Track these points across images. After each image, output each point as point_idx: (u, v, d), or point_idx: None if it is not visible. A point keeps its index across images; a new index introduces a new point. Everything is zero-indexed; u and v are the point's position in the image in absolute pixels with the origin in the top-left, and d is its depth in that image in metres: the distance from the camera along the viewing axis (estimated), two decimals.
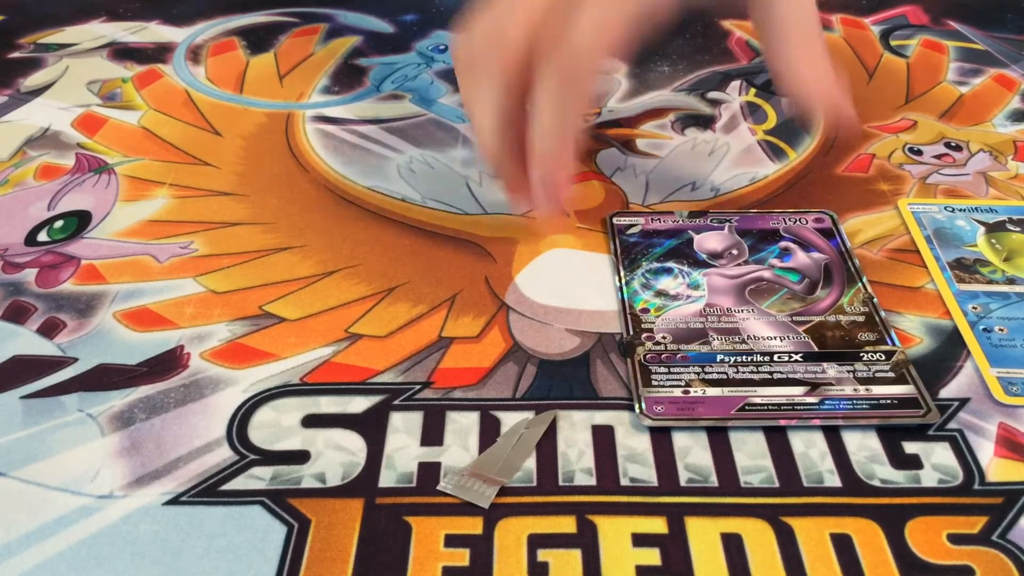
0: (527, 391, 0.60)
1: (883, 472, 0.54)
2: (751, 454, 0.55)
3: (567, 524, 0.51)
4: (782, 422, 0.55)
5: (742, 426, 0.56)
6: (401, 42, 1.06)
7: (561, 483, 0.53)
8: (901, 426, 0.56)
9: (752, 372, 0.59)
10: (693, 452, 0.55)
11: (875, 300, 0.65)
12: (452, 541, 0.50)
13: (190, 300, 0.67)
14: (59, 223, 0.75)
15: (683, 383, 0.58)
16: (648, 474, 0.54)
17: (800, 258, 0.69)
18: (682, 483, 0.53)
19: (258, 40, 1.06)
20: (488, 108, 0.62)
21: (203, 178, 0.81)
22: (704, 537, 0.50)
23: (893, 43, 1.04)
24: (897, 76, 0.97)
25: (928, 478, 0.54)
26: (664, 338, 0.61)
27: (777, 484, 0.53)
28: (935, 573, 0.48)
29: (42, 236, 0.74)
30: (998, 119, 0.89)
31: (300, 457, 0.55)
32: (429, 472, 0.54)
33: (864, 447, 0.55)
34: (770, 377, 0.58)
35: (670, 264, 0.67)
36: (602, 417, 0.58)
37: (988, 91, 0.95)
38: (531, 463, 0.54)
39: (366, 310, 0.66)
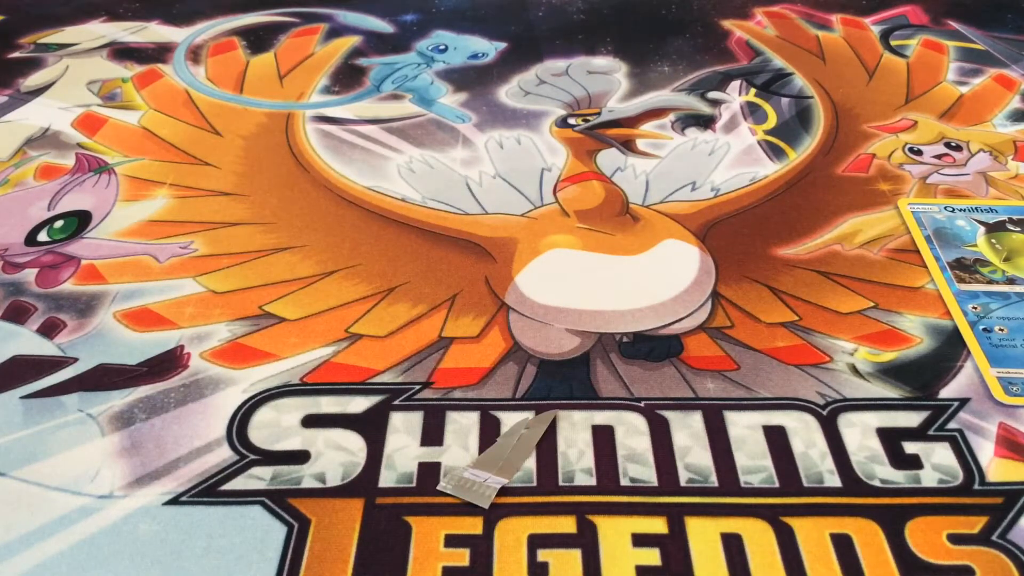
0: (527, 391, 0.60)
1: (883, 472, 0.54)
2: (751, 454, 0.55)
3: (567, 524, 0.51)
4: None
5: None
6: (401, 42, 1.06)
7: (561, 483, 0.53)
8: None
9: None
10: (693, 452, 0.55)
11: None
12: (452, 541, 0.50)
13: (190, 300, 0.67)
14: (59, 223, 0.75)
15: None
16: (648, 474, 0.54)
17: None
18: (682, 483, 0.53)
19: (258, 40, 1.06)
20: None
21: (203, 178, 0.81)
22: (704, 537, 0.50)
23: (893, 43, 1.04)
24: (897, 76, 0.97)
25: (928, 478, 0.53)
26: None
27: (777, 484, 0.53)
28: (935, 573, 0.48)
29: (42, 236, 0.74)
30: (998, 119, 0.89)
31: (300, 457, 0.55)
32: (429, 472, 0.54)
33: (864, 447, 0.55)
34: None
35: None
36: (602, 417, 0.58)
37: (988, 91, 0.94)
38: (531, 463, 0.54)
39: (366, 310, 0.66)
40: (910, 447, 0.55)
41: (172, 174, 0.82)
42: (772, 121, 0.90)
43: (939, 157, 0.83)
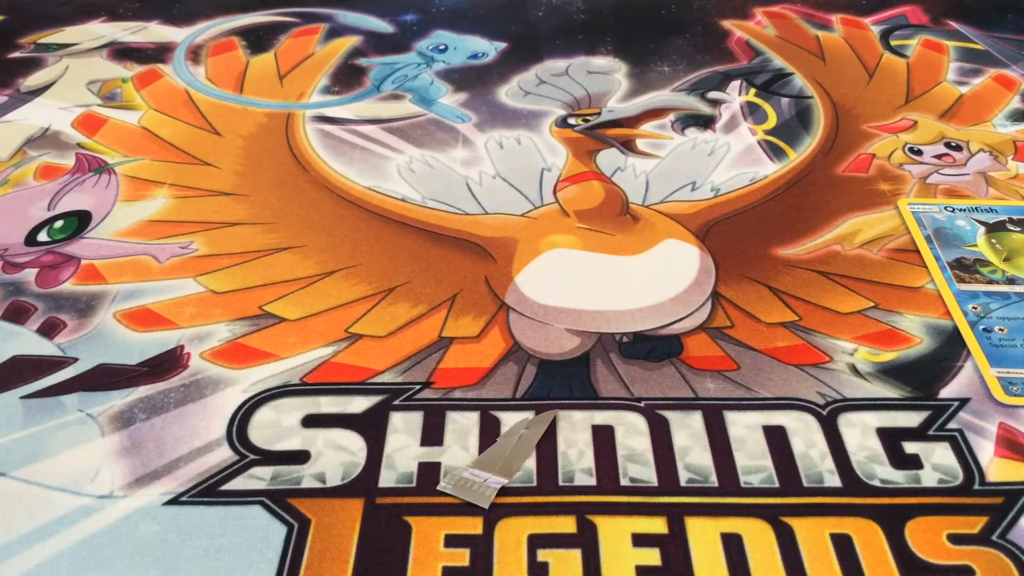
0: (527, 391, 0.60)
1: (883, 472, 0.54)
2: (751, 454, 0.55)
3: (567, 524, 0.51)
4: None
5: None
6: (401, 42, 1.06)
7: (561, 483, 0.53)
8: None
9: None
10: (693, 452, 0.55)
11: None
12: (452, 541, 0.50)
13: (190, 300, 0.67)
14: (59, 223, 0.75)
15: None
16: (648, 474, 0.54)
17: None
18: (682, 483, 0.53)
19: (258, 40, 1.06)
20: None
21: (203, 178, 0.81)
22: (704, 537, 0.50)
23: (893, 43, 1.04)
24: (897, 76, 0.97)
25: (928, 478, 0.53)
26: None
27: (777, 484, 0.53)
28: (935, 573, 0.48)
29: (42, 236, 0.74)
30: (998, 119, 0.89)
31: (300, 457, 0.55)
32: (429, 472, 0.54)
33: (864, 447, 0.55)
34: None
35: None
36: (602, 417, 0.58)
37: (988, 91, 0.94)
38: (531, 463, 0.54)
39: (366, 310, 0.66)
40: (910, 447, 0.55)
41: (172, 174, 0.82)
42: (772, 121, 0.90)
43: (939, 157, 0.83)
